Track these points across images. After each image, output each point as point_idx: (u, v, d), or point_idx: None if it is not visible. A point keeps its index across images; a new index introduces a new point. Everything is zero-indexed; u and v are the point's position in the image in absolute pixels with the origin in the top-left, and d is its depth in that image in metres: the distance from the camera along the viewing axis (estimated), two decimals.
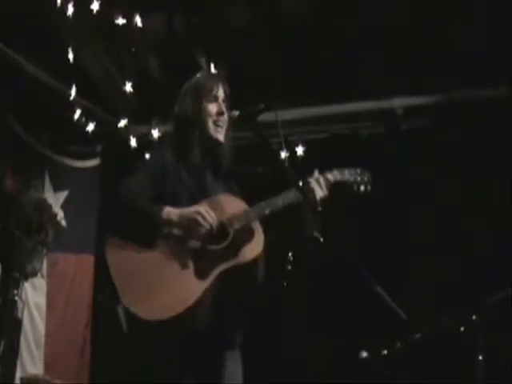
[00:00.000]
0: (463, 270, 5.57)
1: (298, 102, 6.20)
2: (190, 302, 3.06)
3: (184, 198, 3.31)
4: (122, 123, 6.20)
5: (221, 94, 3.50)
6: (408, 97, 6.15)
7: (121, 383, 5.62)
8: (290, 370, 6.01)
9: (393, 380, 4.18)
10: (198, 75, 3.67)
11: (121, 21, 5.43)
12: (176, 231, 3.21)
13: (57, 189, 6.53)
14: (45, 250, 6.14)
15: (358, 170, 3.66)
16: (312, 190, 3.44)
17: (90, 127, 6.22)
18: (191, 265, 3.15)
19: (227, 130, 3.50)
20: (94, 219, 6.86)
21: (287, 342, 6.14)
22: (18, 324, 5.87)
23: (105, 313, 6.30)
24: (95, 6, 5.29)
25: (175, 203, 3.26)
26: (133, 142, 6.33)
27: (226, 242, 3.21)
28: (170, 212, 3.19)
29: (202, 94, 3.47)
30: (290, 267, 3.56)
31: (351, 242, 3.69)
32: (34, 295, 6.12)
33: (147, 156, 3.73)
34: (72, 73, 5.75)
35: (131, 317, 3.08)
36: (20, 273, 5.82)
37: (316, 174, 3.53)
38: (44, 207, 6.17)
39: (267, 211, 3.32)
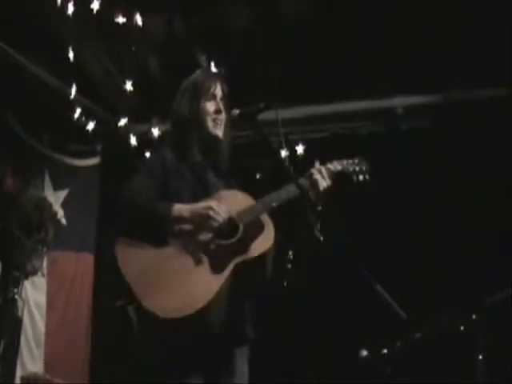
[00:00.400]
0: (463, 270, 5.58)
1: (298, 101, 6.20)
2: (210, 297, 3.04)
3: (186, 197, 3.30)
4: (122, 122, 6.21)
5: (219, 91, 3.49)
6: (408, 96, 6.16)
7: (121, 382, 5.64)
8: (290, 369, 6.01)
9: (393, 379, 4.19)
10: (196, 73, 3.66)
11: (121, 20, 5.42)
12: (187, 227, 3.19)
13: (57, 187, 6.53)
14: (45, 249, 6.15)
15: (356, 160, 3.71)
16: (315, 181, 3.44)
17: (90, 126, 6.22)
18: (205, 260, 3.14)
19: (226, 128, 3.50)
20: (93, 218, 6.87)
21: (287, 341, 6.14)
22: (18, 323, 5.87)
23: (105, 311, 6.32)
24: (95, 6, 5.28)
25: (178, 201, 3.25)
26: (133, 141, 6.34)
27: (237, 236, 3.20)
28: (181, 208, 3.18)
29: (200, 93, 3.46)
30: (290, 266, 3.56)
31: (351, 241, 3.69)
32: (34, 294, 6.13)
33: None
34: (72, 72, 5.76)
35: (144, 316, 3.04)
36: (20, 271, 5.83)
37: (317, 164, 3.55)
38: (44, 206, 6.17)
39: (274, 204, 3.32)
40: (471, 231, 5.71)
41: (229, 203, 3.26)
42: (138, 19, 5.47)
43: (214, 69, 5.61)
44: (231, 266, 3.13)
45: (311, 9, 5.89)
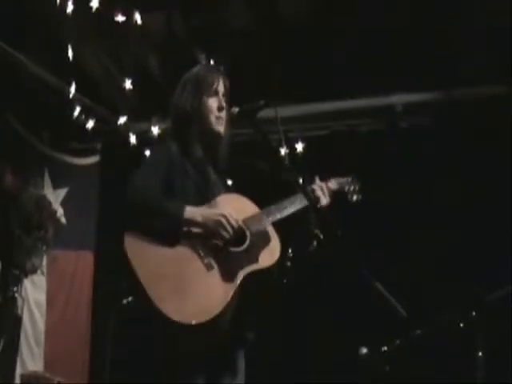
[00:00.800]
0: (463, 268, 5.58)
1: (298, 99, 6.20)
2: (223, 305, 3.02)
3: (191, 192, 3.29)
4: (122, 120, 6.22)
5: (221, 88, 3.45)
6: (407, 94, 6.16)
7: (121, 379, 5.64)
8: (290, 367, 6.02)
9: (392, 377, 4.19)
10: (198, 68, 3.63)
11: (120, 19, 5.43)
12: (197, 230, 3.17)
13: (56, 186, 6.54)
14: (45, 247, 6.16)
15: (350, 179, 3.72)
16: (317, 198, 3.48)
17: (90, 125, 6.23)
18: (215, 266, 3.12)
19: (226, 126, 3.48)
20: (93, 216, 6.88)
21: (287, 339, 6.14)
22: (17, 321, 5.87)
23: (105, 309, 6.32)
24: (95, 4, 5.28)
25: (183, 197, 3.24)
26: (132, 140, 6.34)
27: (245, 245, 3.20)
28: (194, 212, 3.16)
29: (203, 88, 3.42)
30: (289, 264, 3.56)
31: (351, 239, 3.70)
32: (33, 292, 6.13)
33: (153, 150, 3.69)
34: (71, 71, 5.76)
35: (155, 317, 3.00)
36: (20, 270, 5.83)
37: (318, 181, 3.58)
38: (44, 204, 6.18)
39: (279, 216, 3.33)
40: (471, 229, 5.70)
41: (233, 208, 3.25)
42: (138, 18, 5.47)
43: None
44: (241, 276, 3.12)
45: (311, 9, 5.89)
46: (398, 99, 6.17)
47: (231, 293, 3.06)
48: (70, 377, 6.05)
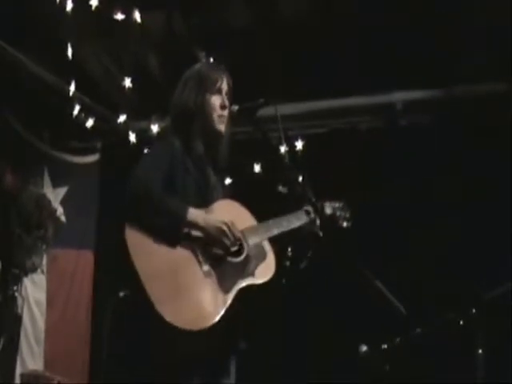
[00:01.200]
0: (463, 265, 5.58)
1: (297, 97, 6.20)
2: (217, 316, 3.01)
3: (191, 191, 3.28)
4: (122, 119, 6.21)
5: (224, 86, 3.42)
6: (407, 92, 6.17)
7: (121, 378, 5.63)
8: (290, 365, 6.02)
9: (392, 375, 4.19)
10: (200, 65, 3.61)
11: (120, 17, 5.42)
12: (197, 234, 3.16)
13: (56, 185, 6.54)
14: (44, 246, 6.16)
15: (341, 205, 3.72)
16: (314, 221, 3.49)
17: (90, 123, 6.23)
18: (213, 274, 3.11)
19: (227, 125, 3.46)
20: (93, 215, 6.88)
21: (287, 338, 6.15)
22: (17, 320, 5.87)
23: (105, 308, 6.32)
24: (94, 2, 5.28)
25: (183, 194, 3.23)
26: (132, 138, 6.33)
27: (243, 257, 3.19)
28: (197, 215, 3.14)
29: (206, 86, 3.39)
30: (288, 263, 3.56)
31: (351, 238, 3.71)
32: (33, 291, 6.13)
33: (156, 144, 3.66)
34: (71, 69, 5.75)
35: (153, 314, 2.99)
36: (20, 269, 5.83)
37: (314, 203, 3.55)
38: (43, 203, 6.18)
39: (275, 232, 3.34)
40: (471, 226, 5.71)
41: (233, 218, 3.24)
42: (138, 16, 5.47)
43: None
44: (238, 287, 3.11)
45: (311, 9, 5.89)
46: (398, 97, 6.18)
47: (228, 303, 3.06)
48: (70, 376, 6.04)
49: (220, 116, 3.39)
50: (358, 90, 6.13)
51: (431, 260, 5.79)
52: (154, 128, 6.11)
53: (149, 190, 3.13)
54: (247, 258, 3.20)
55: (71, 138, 6.74)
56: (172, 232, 3.13)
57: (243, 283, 3.13)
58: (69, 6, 5.31)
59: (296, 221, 3.43)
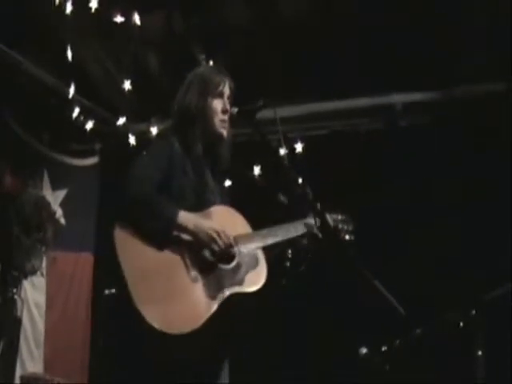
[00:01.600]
0: (463, 266, 5.58)
1: (297, 99, 6.20)
2: (200, 322, 2.99)
3: (188, 192, 3.28)
4: (121, 121, 6.21)
5: (226, 90, 3.44)
6: (407, 93, 6.16)
7: (120, 381, 5.62)
8: (290, 367, 6.01)
9: (392, 376, 4.17)
10: (203, 68, 3.62)
11: (120, 19, 5.42)
12: (187, 238, 3.15)
13: (56, 187, 6.54)
14: (44, 248, 6.16)
15: (344, 218, 3.69)
16: (313, 234, 3.46)
17: (89, 126, 6.23)
18: (201, 279, 3.10)
19: (229, 128, 3.47)
20: (93, 217, 6.87)
21: (287, 338, 6.14)
22: (17, 322, 5.87)
23: (104, 311, 6.31)
24: (94, 5, 5.27)
25: (180, 197, 3.23)
26: (132, 141, 6.33)
27: (233, 264, 3.18)
28: (187, 218, 3.14)
29: (208, 89, 3.40)
30: (288, 264, 3.54)
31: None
32: (33, 293, 6.13)
33: (156, 143, 3.66)
34: (71, 72, 5.75)
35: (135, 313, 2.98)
36: (19, 271, 5.83)
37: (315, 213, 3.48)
38: (43, 205, 6.18)
39: (269, 241, 3.32)
40: (471, 227, 5.70)
41: (227, 224, 3.24)
42: (137, 18, 5.46)
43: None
44: (225, 295, 3.09)
45: (311, 9, 5.89)
46: (398, 98, 6.17)
47: (212, 311, 3.04)
48: (70, 378, 6.05)
49: (222, 120, 3.40)
50: (357, 92, 6.13)
51: (431, 261, 5.78)
52: (154, 130, 6.10)
53: (142, 190, 3.15)
54: (238, 265, 3.19)
55: (71, 140, 6.75)
56: (161, 234, 3.12)
57: (230, 291, 3.11)
58: (68, 8, 5.30)
59: (294, 231, 3.40)
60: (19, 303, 5.84)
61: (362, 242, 4.25)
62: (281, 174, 3.28)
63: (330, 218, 3.56)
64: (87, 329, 6.73)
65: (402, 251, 5.86)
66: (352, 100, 6.27)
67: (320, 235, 3.43)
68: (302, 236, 3.44)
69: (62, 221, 6.42)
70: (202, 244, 3.14)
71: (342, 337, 5.72)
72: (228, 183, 3.72)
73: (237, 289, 3.13)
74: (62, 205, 6.53)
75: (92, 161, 7.03)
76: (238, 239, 3.24)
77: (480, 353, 3.78)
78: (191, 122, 3.38)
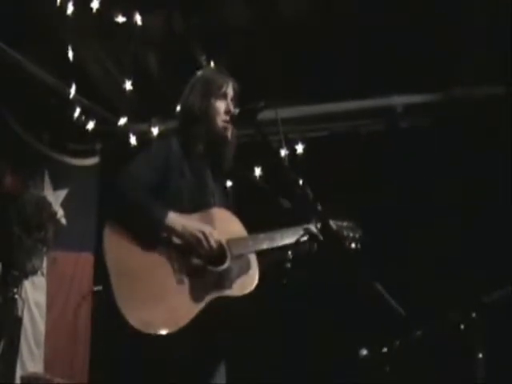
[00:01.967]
0: (463, 268, 5.58)
1: (298, 100, 6.20)
2: (182, 324, 3.00)
3: (185, 195, 3.29)
4: (122, 122, 6.19)
5: (230, 91, 3.46)
6: (408, 95, 6.17)
7: (120, 381, 5.62)
8: (290, 368, 6.01)
9: (392, 378, 4.18)
10: (207, 70, 3.63)
11: (121, 19, 5.42)
12: (176, 240, 3.16)
13: (56, 187, 6.54)
14: (45, 248, 6.15)
15: (351, 225, 3.65)
16: (313, 239, 3.42)
17: (90, 125, 6.22)
18: (187, 282, 3.09)
19: (233, 129, 3.47)
20: (93, 217, 6.85)
21: (287, 340, 6.14)
22: (18, 322, 5.86)
23: (104, 311, 6.31)
24: (95, 5, 5.27)
25: (176, 199, 3.24)
26: (132, 141, 6.32)
27: (223, 267, 3.16)
28: (175, 220, 3.14)
29: (212, 91, 3.43)
30: (289, 265, 3.54)
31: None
32: (33, 293, 6.12)
33: (154, 144, 3.66)
34: (71, 71, 5.75)
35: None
36: (20, 271, 5.82)
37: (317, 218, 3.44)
38: (44, 205, 6.18)
39: (265, 246, 3.31)
40: (471, 229, 5.71)
41: (221, 227, 3.24)
42: (138, 19, 5.46)
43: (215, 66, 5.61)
44: (209, 299, 3.09)
45: (311, 9, 5.89)
46: (398, 100, 6.18)
47: (194, 314, 3.03)
48: (70, 378, 6.06)
49: (224, 121, 3.41)
50: (358, 93, 6.13)
51: (431, 261, 5.79)
52: (155, 130, 6.10)
53: (133, 190, 3.17)
54: (228, 269, 3.17)
55: (71, 140, 6.75)
56: (149, 235, 3.13)
57: (217, 294, 3.11)
58: (69, 9, 5.30)
59: (292, 236, 3.37)
60: (20, 303, 5.84)
61: (362, 242, 4.26)
62: (281, 175, 3.28)
63: (334, 224, 3.53)
64: (87, 329, 6.73)
65: (402, 251, 5.86)
66: (353, 102, 6.28)
67: (321, 237, 3.41)
68: (302, 242, 3.39)
69: (63, 221, 6.42)
70: (189, 246, 3.14)
71: (342, 337, 5.72)
72: (229, 184, 3.70)
73: (224, 293, 3.13)
74: (63, 204, 6.52)
75: (92, 161, 7.04)
76: (231, 243, 3.23)
77: (480, 355, 3.78)
78: (194, 122, 3.40)
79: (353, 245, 3.59)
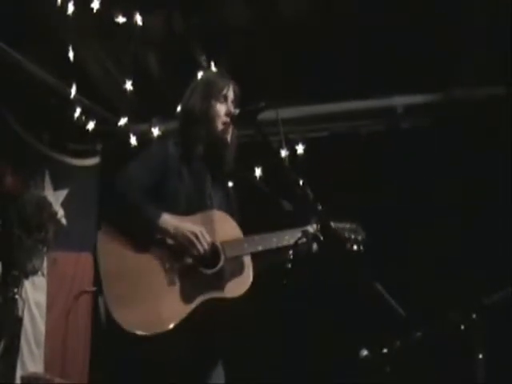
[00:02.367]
0: (463, 269, 5.58)
1: (299, 100, 6.20)
2: (170, 325, 3.01)
3: (182, 198, 3.30)
4: (122, 122, 6.19)
5: (231, 94, 3.48)
6: (408, 95, 6.17)
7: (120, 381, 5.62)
8: (290, 368, 6.01)
9: (393, 379, 4.18)
10: (208, 73, 3.65)
11: (121, 19, 5.42)
12: (169, 241, 3.17)
13: (57, 187, 6.53)
14: (45, 249, 6.15)
15: (354, 226, 3.63)
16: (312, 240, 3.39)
17: (90, 126, 6.20)
18: (178, 283, 3.11)
19: (233, 132, 3.49)
20: (94, 217, 6.84)
21: (287, 340, 6.14)
22: (18, 322, 5.86)
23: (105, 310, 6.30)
24: (95, 5, 5.27)
25: (172, 201, 3.26)
26: (133, 141, 6.31)
27: (216, 269, 3.17)
28: (167, 221, 3.16)
29: (212, 93, 3.44)
30: (289, 265, 3.54)
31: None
32: (34, 293, 6.11)
33: (151, 147, 3.67)
34: (72, 71, 5.75)
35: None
36: (20, 271, 5.82)
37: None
38: (44, 205, 6.17)
39: (260, 248, 3.30)
40: (472, 229, 5.71)
41: (216, 229, 3.25)
42: (138, 19, 5.46)
43: (215, 67, 5.61)
44: (200, 300, 3.09)
45: (311, 9, 5.89)
46: (399, 101, 6.18)
47: (184, 315, 3.05)
48: (70, 378, 6.06)
49: (225, 123, 3.42)
50: (358, 93, 6.13)
51: (431, 261, 5.79)
52: (155, 131, 6.10)
53: (128, 192, 3.19)
54: (221, 271, 3.18)
55: (72, 140, 6.75)
56: (143, 236, 3.16)
57: (208, 296, 3.11)
58: (69, 8, 5.30)
59: (288, 239, 3.37)
60: (20, 303, 5.83)
61: (363, 243, 4.27)
62: (282, 175, 3.28)
63: (335, 226, 3.49)
64: (88, 329, 6.72)
65: (402, 251, 5.86)
66: (353, 102, 6.28)
67: (321, 238, 3.40)
68: (300, 244, 3.38)
69: (64, 221, 6.42)
70: (181, 247, 3.16)
71: (342, 338, 5.72)
72: (229, 184, 3.70)
73: (215, 294, 3.13)
74: (63, 205, 6.52)
75: (93, 161, 7.03)
76: (226, 245, 3.24)
77: (480, 355, 3.78)
78: (194, 124, 3.42)
79: (355, 247, 3.57)
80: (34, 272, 6.04)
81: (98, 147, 7.02)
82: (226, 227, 3.33)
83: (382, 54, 5.78)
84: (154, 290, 3.08)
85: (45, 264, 6.22)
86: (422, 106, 6.18)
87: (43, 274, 6.21)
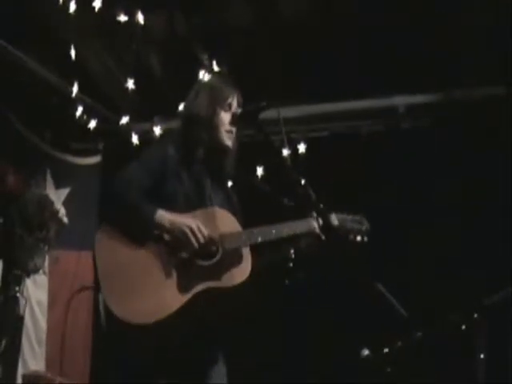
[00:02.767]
0: (464, 269, 5.58)
1: (300, 100, 6.21)
2: (166, 314, 3.05)
3: (181, 200, 3.33)
4: (124, 120, 6.19)
5: (235, 103, 3.51)
6: (409, 95, 6.18)
7: (121, 380, 5.63)
8: (291, 368, 6.02)
9: (394, 379, 4.19)
10: (213, 78, 3.67)
11: (123, 18, 5.42)
12: (166, 236, 3.20)
13: (58, 186, 6.54)
14: (46, 247, 6.14)
15: (358, 218, 3.65)
16: (313, 231, 3.44)
17: (92, 124, 6.20)
18: (175, 275, 3.14)
19: (234, 139, 3.52)
20: (95, 216, 6.83)
21: (287, 340, 6.15)
22: (19, 321, 5.85)
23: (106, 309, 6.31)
24: (97, 3, 5.28)
25: (171, 203, 3.28)
26: (134, 140, 6.31)
27: (214, 261, 3.21)
28: (163, 217, 3.19)
29: (218, 100, 3.48)
30: (291, 265, 3.55)
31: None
32: (35, 292, 6.13)
33: (150, 148, 3.69)
34: (73, 70, 5.75)
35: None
36: (22, 269, 5.81)
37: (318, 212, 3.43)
38: (46, 204, 6.16)
39: (260, 239, 3.33)
40: (472, 230, 5.72)
41: (215, 223, 3.27)
42: (140, 18, 5.47)
43: (216, 67, 5.62)
44: (196, 290, 3.12)
45: (311, 9, 5.90)
46: (400, 101, 6.19)
47: (179, 304, 3.08)
48: (72, 377, 6.07)
49: (228, 131, 3.46)
50: (359, 93, 6.14)
51: (431, 261, 5.79)
52: (157, 130, 6.11)
53: (126, 190, 3.23)
54: (219, 262, 3.22)
55: (73, 139, 6.76)
56: (141, 233, 3.19)
57: (205, 286, 3.14)
58: (71, 7, 5.31)
59: (288, 230, 3.40)
60: (21, 301, 5.83)
61: (363, 243, 4.28)
62: (283, 174, 3.29)
63: (336, 217, 3.54)
64: (89, 327, 6.74)
65: (402, 251, 5.86)
66: (353, 102, 6.29)
67: (322, 235, 3.42)
68: (300, 235, 3.43)
69: (65, 220, 6.41)
70: (177, 241, 3.19)
71: (342, 338, 5.73)
72: (229, 184, 3.72)
73: (212, 284, 3.16)
74: (65, 203, 6.53)
75: (95, 160, 7.05)
76: (224, 237, 3.27)
77: (481, 356, 3.79)
78: (197, 128, 3.44)
79: (358, 238, 3.57)
80: (36, 270, 6.04)
81: (100, 146, 7.03)
82: (227, 222, 3.35)
83: (382, 54, 5.78)
84: (152, 284, 3.12)
85: (46, 262, 6.21)
86: (422, 106, 6.18)
87: (45, 273, 6.21)
